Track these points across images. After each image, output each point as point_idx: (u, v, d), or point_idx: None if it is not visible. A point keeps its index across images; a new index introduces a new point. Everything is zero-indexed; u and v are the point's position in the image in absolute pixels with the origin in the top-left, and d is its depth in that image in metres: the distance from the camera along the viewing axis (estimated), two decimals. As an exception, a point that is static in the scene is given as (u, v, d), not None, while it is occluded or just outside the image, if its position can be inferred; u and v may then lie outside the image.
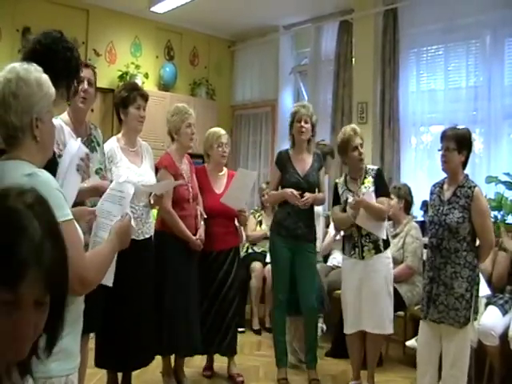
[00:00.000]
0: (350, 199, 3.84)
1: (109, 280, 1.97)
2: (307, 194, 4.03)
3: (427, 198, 3.74)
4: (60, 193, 1.60)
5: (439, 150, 3.39)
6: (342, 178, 4.12)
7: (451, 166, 3.33)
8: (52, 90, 1.68)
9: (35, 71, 1.65)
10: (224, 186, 4.24)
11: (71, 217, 1.60)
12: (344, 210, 3.96)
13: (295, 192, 3.99)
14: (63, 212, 1.56)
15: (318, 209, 4.66)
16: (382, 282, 3.84)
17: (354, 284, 3.92)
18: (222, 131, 4.29)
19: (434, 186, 3.53)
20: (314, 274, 4.24)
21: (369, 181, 3.93)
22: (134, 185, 2.06)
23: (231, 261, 4.19)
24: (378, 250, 3.86)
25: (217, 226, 4.11)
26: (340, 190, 4.05)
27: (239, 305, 4.37)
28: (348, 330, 3.99)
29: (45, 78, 1.66)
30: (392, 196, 4.67)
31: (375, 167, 4.05)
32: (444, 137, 3.37)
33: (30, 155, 1.63)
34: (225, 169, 4.38)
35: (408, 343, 4.30)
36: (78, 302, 1.65)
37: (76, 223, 1.71)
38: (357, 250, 3.91)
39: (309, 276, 4.16)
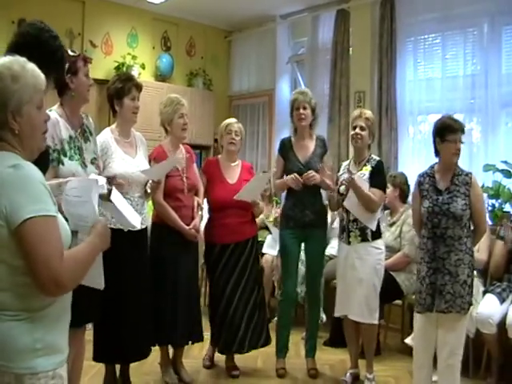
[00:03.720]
0: (346, 175, 3.86)
1: (99, 283, 1.88)
2: (313, 173, 3.96)
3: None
4: (43, 186, 1.56)
5: (461, 143, 3.33)
6: (348, 161, 4.14)
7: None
8: (34, 79, 1.62)
9: (15, 63, 1.60)
10: (237, 176, 4.20)
11: (52, 213, 1.55)
12: (338, 191, 3.98)
13: (296, 175, 3.96)
14: (41, 206, 1.53)
15: None
16: (366, 271, 3.81)
17: (340, 267, 3.97)
18: (232, 120, 4.31)
19: (421, 176, 3.46)
20: (321, 261, 4.24)
21: (367, 169, 3.92)
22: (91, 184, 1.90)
23: (248, 254, 4.11)
24: (364, 239, 3.84)
25: (230, 217, 4.05)
26: (341, 171, 4.09)
27: (262, 296, 4.25)
28: (335, 312, 4.03)
29: (26, 68, 1.61)
30: (388, 184, 4.69)
31: (377, 158, 4.04)
32: (459, 130, 3.31)
33: (14, 148, 1.60)
34: (238, 160, 4.33)
35: (406, 341, 4.19)
36: (62, 298, 1.61)
37: (63, 220, 1.67)
38: (344, 234, 3.93)
39: (316, 263, 4.17)
